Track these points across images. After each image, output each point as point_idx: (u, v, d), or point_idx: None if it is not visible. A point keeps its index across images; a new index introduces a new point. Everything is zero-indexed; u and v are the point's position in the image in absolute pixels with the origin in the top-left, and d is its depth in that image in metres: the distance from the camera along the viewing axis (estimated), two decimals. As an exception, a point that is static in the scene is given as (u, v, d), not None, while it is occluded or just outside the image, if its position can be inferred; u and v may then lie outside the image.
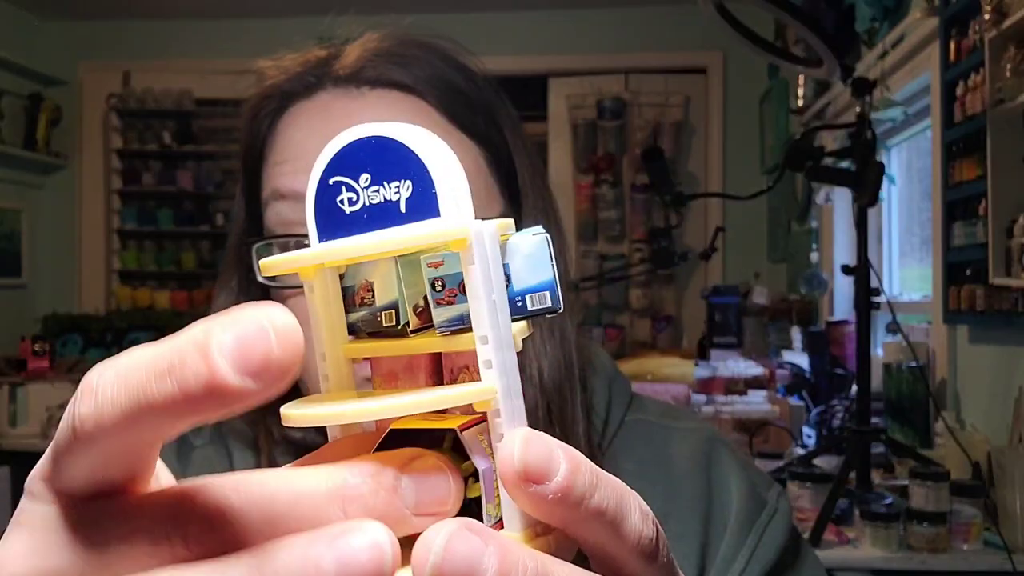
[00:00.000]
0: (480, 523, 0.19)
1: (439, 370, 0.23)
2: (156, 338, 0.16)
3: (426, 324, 0.23)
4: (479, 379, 0.22)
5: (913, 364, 1.74)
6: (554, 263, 0.22)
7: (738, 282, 2.94)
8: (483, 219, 0.21)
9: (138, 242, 3.69)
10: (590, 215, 3.52)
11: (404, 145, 0.22)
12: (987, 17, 1.46)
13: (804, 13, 1.62)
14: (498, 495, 0.21)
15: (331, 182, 0.22)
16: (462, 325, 0.22)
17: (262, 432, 0.48)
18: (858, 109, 1.56)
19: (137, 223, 3.63)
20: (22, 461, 2.50)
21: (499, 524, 0.21)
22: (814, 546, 1.28)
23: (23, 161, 3.41)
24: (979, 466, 1.43)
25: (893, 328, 1.92)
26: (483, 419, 0.22)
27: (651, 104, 3.47)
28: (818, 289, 2.45)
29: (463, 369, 0.23)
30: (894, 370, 1.84)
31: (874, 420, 1.57)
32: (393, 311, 0.23)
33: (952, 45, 1.69)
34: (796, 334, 2.53)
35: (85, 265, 3.62)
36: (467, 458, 0.21)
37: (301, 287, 0.42)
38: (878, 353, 2.01)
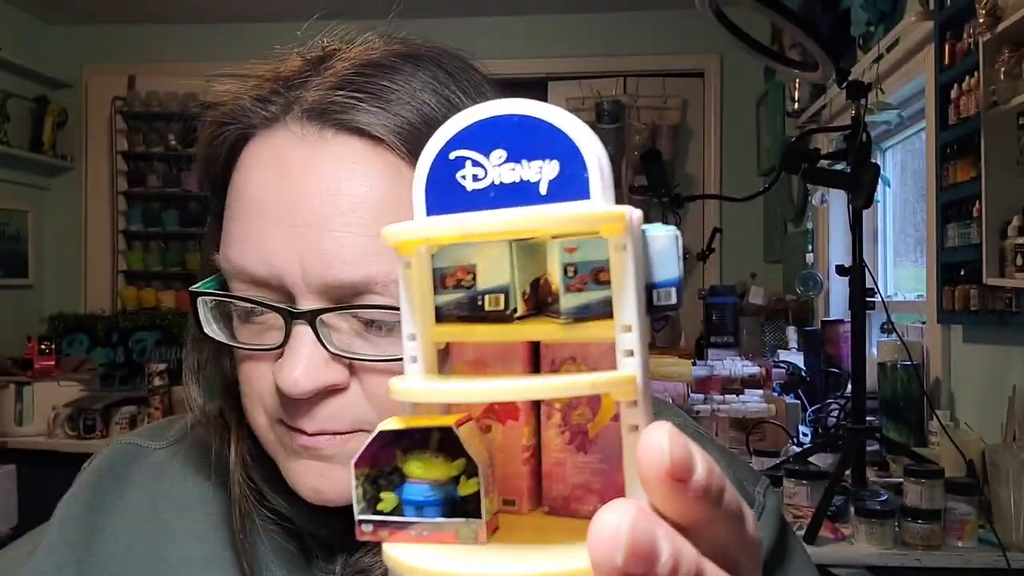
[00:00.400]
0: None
1: (535, 360, 0.23)
2: (161, 338, 0.17)
3: (530, 311, 0.22)
4: (587, 370, 0.21)
5: (908, 363, 1.76)
6: (680, 261, 0.21)
7: (735, 282, 2.96)
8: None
9: (143, 243, 3.72)
10: (590, 216, 3.53)
11: (554, 126, 0.21)
12: (981, 20, 1.48)
13: (800, 17, 1.64)
14: (493, 490, 0.21)
15: (452, 156, 0.21)
16: (588, 314, 0.21)
17: (234, 448, 0.45)
18: (853, 112, 1.58)
19: (142, 224, 3.65)
20: (28, 460, 2.52)
21: (494, 519, 0.21)
22: (809, 543, 1.29)
23: (29, 163, 3.44)
24: (973, 464, 1.44)
25: (888, 328, 1.94)
26: (470, 418, 0.22)
27: (649, 107, 3.49)
28: (814, 289, 2.46)
29: (567, 360, 0.22)
30: (889, 369, 1.86)
31: (869, 418, 1.59)
32: (502, 295, 0.22)
33: (947, 48, 1.71)
34: (792, 334, 2.55)
35: (91, 266, 3.64)
36: (456, 456, 0.21)
37: (244, 347, 0.39)
38: (873, 352, 2.03)
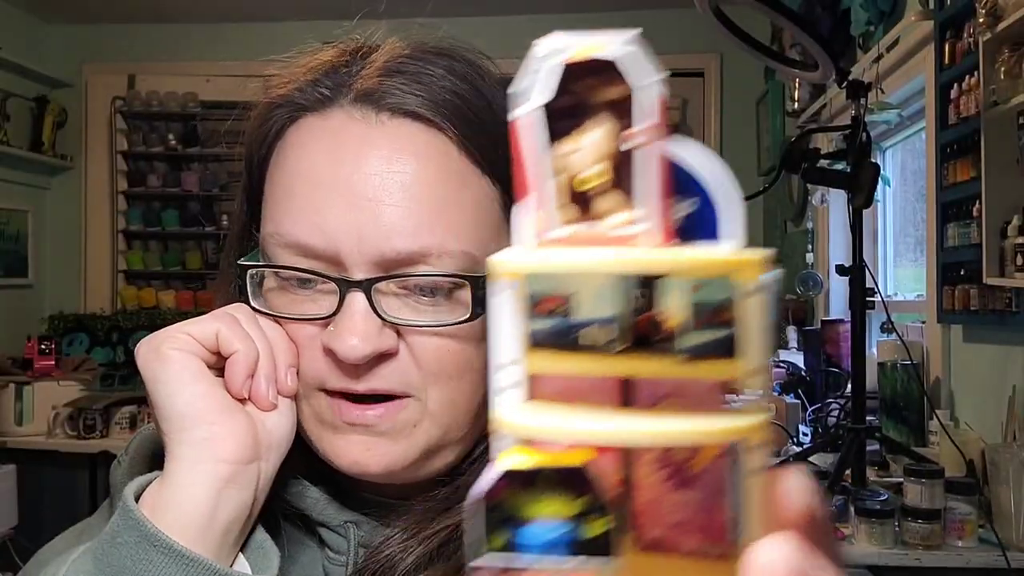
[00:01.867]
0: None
1: (627, 397, 0.22)
2: None
3: (626, 346, 0.21)
4: (692, 409, 0.21)
5: (907, 363, 1.76)
6: (776, 303, 0.22)
7: (737, 282, 2.95)
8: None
9: (143, 243, 3.72)
10: (590, 216, 3.54)
11: (686, 163, 0.21)
12: (981, 20, 1.48)
13: (800, 17, 1.64)
14: (630, 524, 0.20)
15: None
16: (705, 352, 0.21)
17: None
18: (853, 112, 1.59)
19: (142, 224, 3.66)
20: (28, 460, 2.52)
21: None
22: (809, 541, 1.29)
23: (29, 163, 3.44)
24: (973, 464, 1.44)
25: (888, 327, 1.94)
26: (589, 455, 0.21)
27: (650, 106, 3.49)
28: (813, 289, 2.47)
29: (664, 397, 0.21)
30: (889, 369, 1.86)
31: (869, 418, 1.59)
32: (607, 328, 0.21)
33: (947, 48, 1.71)
34: (792, 333, 2.55)
35: (91, 265, 3.64)
36: (579, 494, 0.20)
37: (288, 317, 0.41)
38: (873, 352, 2.03)
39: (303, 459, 0.46)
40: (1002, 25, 1.43)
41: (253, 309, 0.43)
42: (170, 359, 0.39)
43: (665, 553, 0.22)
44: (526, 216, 0.21)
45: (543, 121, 0.21)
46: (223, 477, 0.39)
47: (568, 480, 0.20)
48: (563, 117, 0.21)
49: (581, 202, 0.21)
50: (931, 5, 1.82)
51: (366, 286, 0.40)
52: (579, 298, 0.21)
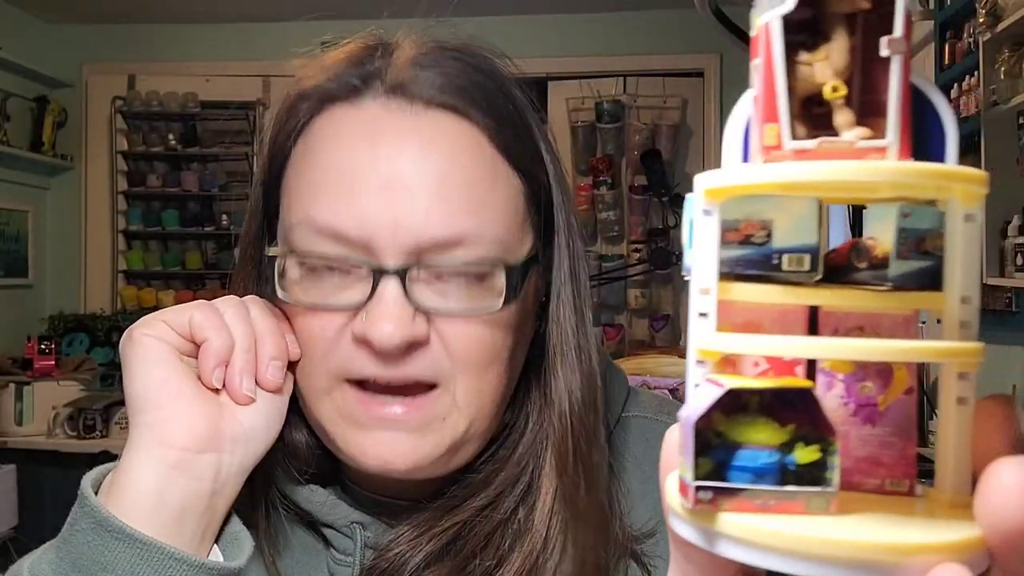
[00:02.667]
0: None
1: (813, 327, 0.21)
2: None
3: (822, 276, 0.21)
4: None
5: (908, 363, 1.75)
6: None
7: (737, 283, 2.96)
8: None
9: (143, 243, 3.72)
10: (589, 216, 3.54)
11: (915, 86, 0.20)
12: (981, 20, 1.49)
13: (800, 17, 1.64)
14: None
15: None
16: (908, 283, 0.20)
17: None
18: (853, 112, 1.58)
19: (142, 224, 3.66)
20: (28, 460, 2.52)
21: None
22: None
23: (29, 163, 3.44)
24: (972, 463, 1.44)
25: (889, 328, 1.94)
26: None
27: (649, 107, 3.49)
28: (816, 289, 2.46)
29: (854, 330, 0.21)
30: (890, 369, 1.86)
31: (869, 418, 1.59)
32: (806, 256, 0.20)
33: (947, 48, 1.71)
34: (794, 334, 2.55)
35: (91, 265, 3.64)
36: (787, 421, 0.19)
37: (312, 306, 0.41)
38: (874, 352, 2.03)
39: (310, 460, 0.46)
40: (1002, 25, 1.43)
41: (276, 301, 0.43)
42: (139, 343, 0.40)
43: (852, 488, 0.21)
44: (768, 125, 0.20)
45: (784, 31, 0.20)
46: (168, 462, 0.38)
47: (782, 405, 0.19)
48: (803, 30, 0.21)
49: (819, 116, 0.20)
50: (931, 5, 1.82)
51: (401, 273, 0.40)
52: (775, 225, 0.20)
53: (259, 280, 0.48)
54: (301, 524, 0.47)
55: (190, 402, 0.39)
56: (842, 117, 0.20)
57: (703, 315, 0.21)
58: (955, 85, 1.65)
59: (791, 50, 0.21)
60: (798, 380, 0.20)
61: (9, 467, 2.48)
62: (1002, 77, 1.44)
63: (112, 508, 0.37)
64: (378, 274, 0.40)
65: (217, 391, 0.41)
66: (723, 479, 0.19)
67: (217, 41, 3.62)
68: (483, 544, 0.43)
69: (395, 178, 0.40)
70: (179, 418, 0.39)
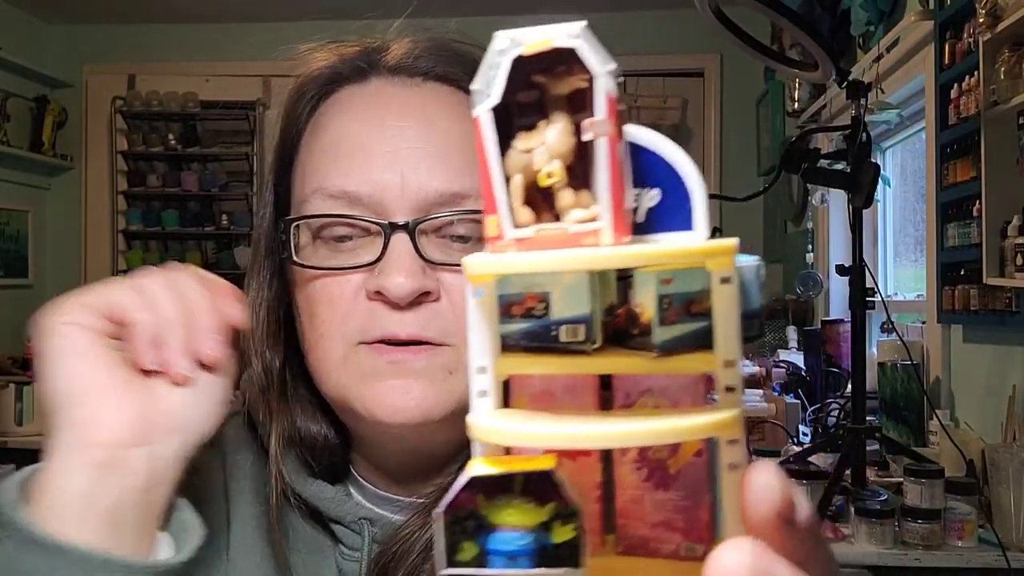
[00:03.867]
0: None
1: (604, 394, 0.21)
2: None
3: (602, 344, 0.21)
4: (666, 404, 0.20)
5: (908, 363, 1.76)
6: (762, 291, 0.21)
7: (737, 283, 2.96)
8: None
9: (143, 243, 3.72)
10: (590, 216, 3.54)
11: (657, 153, 0.20)
12: (981, 20, 1.48)
13: (800, 17, 1.63)
14: (586, 535, 0.20)
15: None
16: (679, 346, 0.20)
17: (274, 429, 0.47)
18: (853, 112, 1.58)
19: (142, 224, 3.66)
20: (28, 459, 2.51)
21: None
22: (809, 541, 1.29)
23: (29, 163, 3.44)
24: (973, 464, 1.44)
25: (888, 327, 1.94)
26: (559, 458, 0.20)
27: (649, 107, 3.49)
28: (814, 289, 2.47)
29: (644, 393, 0.21)
30: (889, 369, 1.86)
31: (869, 418, 1.59)
32: (581, 326, 0.21)
33: (947, 48, 1.71)
34: (792, 333, 2.55)
35: (91, 266, 3.64)
36: (546, 500, 0.19)
37: (332, 269, 0.43)
38: (873, 352, 2.03)
39: (324, 452, 0.47)
40: (1002, 25, 1.43)
41: (295, 263, 0.44)
42: (56, 333, 0.36)
43: (648, 555, 0.22)
44: (489, 217, 0.21)
45: (501, 118, 0.21)
46: (99, 462, 0.35)
47: (535, 486, 0.20)
48: (524, 112, 0.21)
49: (542, 199, 0.21)
50: (931, 5, 1.82)
51: (411, 227, 0.43)
52: (552, 298, 0.21)
53: (276, 271, 0.48)
54: (311, 520, 0.48)
55: (118, 394, 0.36)
56: (563, 200, 0.20)
57: (482, 394, 0.21)
58: (955, 85, 1.65)
59: (512, 135, 0.21)
60: (542, 461, 0.20)
61: (9, 467, 2.48)
62: (1002, 77, 1.44)
63: (38, 516, 0.35)
64: (389, 230, 0.43)
65: (150, 374, 0.38)
66: (483, 564, 0.19)
67: (217, 41, 3.62)
68: None
69: (401, 144, 0.44)
70: (106, 414, 0.36)
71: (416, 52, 0.47)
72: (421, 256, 0.43)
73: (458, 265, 0.42)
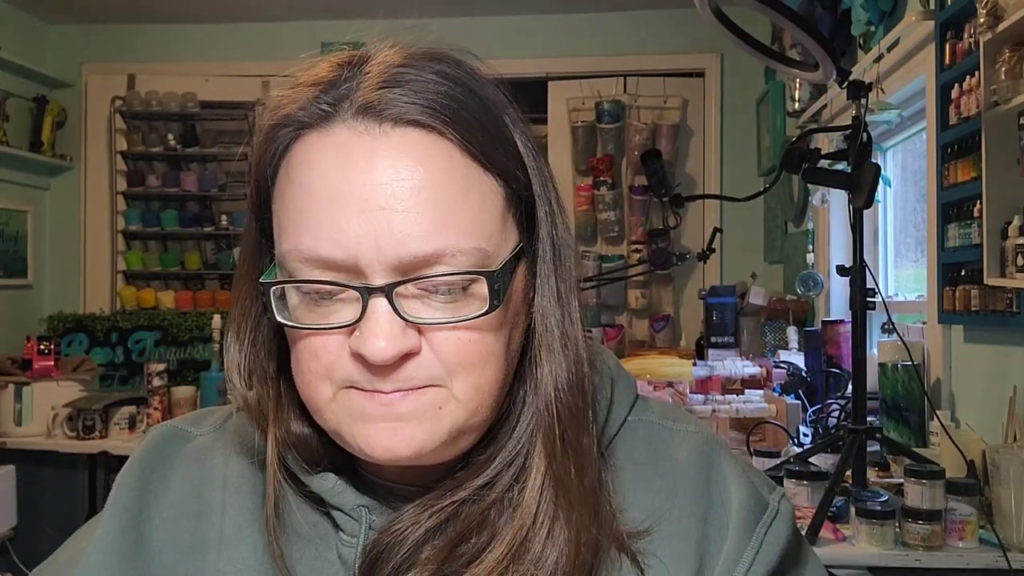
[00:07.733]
0: None
1: None
2: (160, 338, 0.16)
3: None
4: None
5: (908, 363, 1.75)
6: None
7: (735, 283, 2.96)
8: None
9: (143, 243, 3.72)
10: (589, 216, 3.54)
11: None
12: (982, 20, 1.48)
13: (800, 17, 1.63)
14: None
15: None
16: None
17: (271, 432, 0.48)
18: (854, 112, 1.58)
19: (142, 224, 3.65)
20: (27, 460, 2.51)
21: None
22: (810, 543, 1.29)
23: (28, 163, 3.44)
24: (974, 464, 1.44)
25: (888, 328, 1.94)
26: None
27: (649, 107, 3.49)
28: (814, 289, 2.46)
29: None
30: (889, 369, 1.86)
31: (870, 419, 1.59)
32: None
33: (947, 48, 1.71)
34: (792, 334, 2.55)
35: (90, 266, 3.64)
36: None
37: (316, 328, 0.43)
38: (873, 353, 2.03)
39: (322, 453, 0.48)
40: (1003, 25, 1.43)
41: (279, 323, 0.45)
42: None
43: None
44: None
45: None
46: None
47: None
48: None
49: None
50: (931, 5, 1.82)
51: (387, 291, 0.42)
52: None
53: (259, 301, 0.48)
54: (314, 508, 0.49)
55: None
56: None
57: None
58: (955, 85, 1.65)
59: None
60: None
61: (8, 467, 2.47)
62: (1002, 77, 1.44)
63: None
64: (366, 294, 0.42)
65: None
66: None
67: (217, 41, 3.61)
68: (478, 521, 0.45)
69: (370, 199, 0.42)
70: None
71: (386, 91, 0.43)
72: (401, 316, 0.42)
73: (441, 323, 0.42)
